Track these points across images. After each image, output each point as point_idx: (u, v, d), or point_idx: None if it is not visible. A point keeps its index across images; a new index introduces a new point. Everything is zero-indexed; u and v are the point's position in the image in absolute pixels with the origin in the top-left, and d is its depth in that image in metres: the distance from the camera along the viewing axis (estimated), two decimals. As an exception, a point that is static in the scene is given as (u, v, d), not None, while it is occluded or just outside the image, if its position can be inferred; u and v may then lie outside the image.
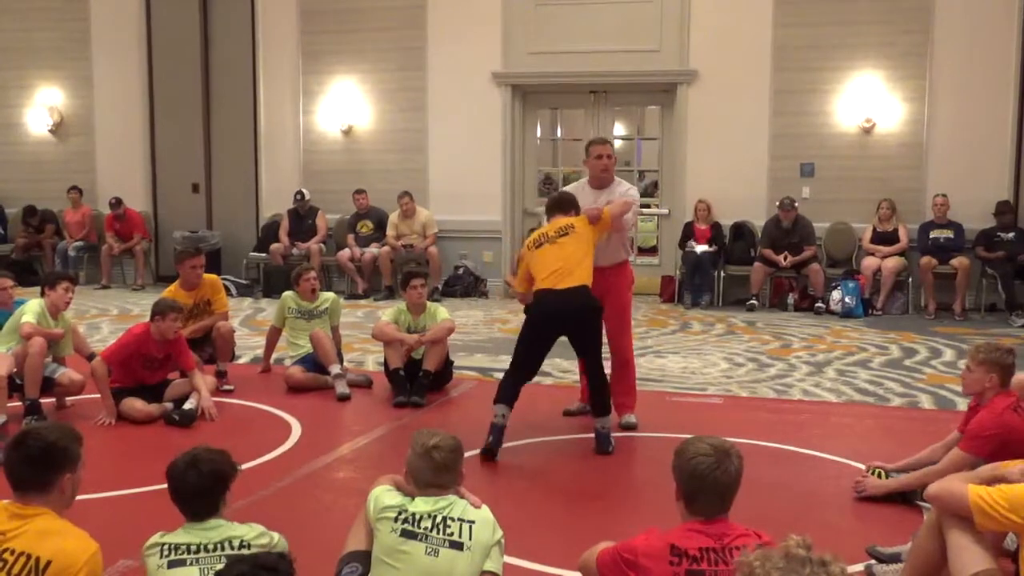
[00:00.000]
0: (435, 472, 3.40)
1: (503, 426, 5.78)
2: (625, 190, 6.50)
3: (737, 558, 2.33)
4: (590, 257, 5.93)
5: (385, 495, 3.44)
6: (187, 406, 6.61)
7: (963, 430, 4.82)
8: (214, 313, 7.75)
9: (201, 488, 3.29)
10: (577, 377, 7.12)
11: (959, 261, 11.04)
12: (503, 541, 3.43)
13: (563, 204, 6.19)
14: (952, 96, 11.56)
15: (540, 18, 12.67)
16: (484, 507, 3.46)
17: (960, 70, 11.52)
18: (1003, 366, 4.70)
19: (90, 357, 7.02)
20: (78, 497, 3.19)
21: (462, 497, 3.44)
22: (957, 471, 4.72)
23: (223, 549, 3.22)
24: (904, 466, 5.15)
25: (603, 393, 6.00)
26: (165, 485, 3.36)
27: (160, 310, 6.65)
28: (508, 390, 5.87)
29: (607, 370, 6.16)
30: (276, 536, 3.42)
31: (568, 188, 6.79)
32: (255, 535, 3.33)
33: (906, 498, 4.95)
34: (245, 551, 3.20)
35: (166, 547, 3.23)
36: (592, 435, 6.02)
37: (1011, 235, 11.08)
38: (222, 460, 3.38)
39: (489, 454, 5.73)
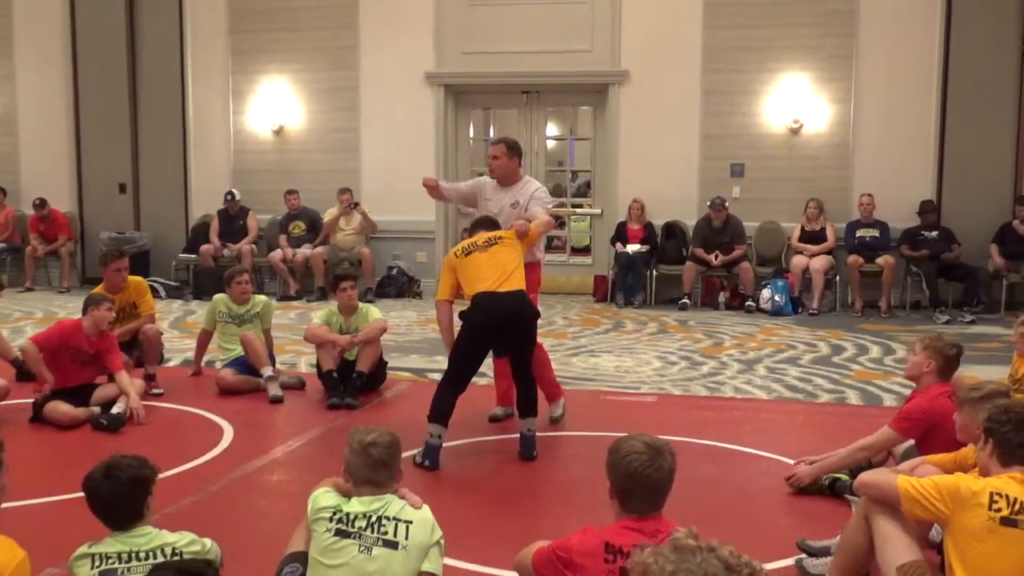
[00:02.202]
0: (372, 469, 3.39)
1: (439, 447, 5.64)
2: (534, 190, 6.49)
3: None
4: (522, 266, 5.94)
5: (323, 496, 3.43)
6: (115, 410, 6.44)
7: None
8: (140, 316, 7.62)
9: (121, 496, 3.21)
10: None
11: (885, 259, 11.27)
12: (443, 542, 3.42)
13: (487, 223, 6.20)
14: (877, 98, 11.80)
15: (473, 18, 12.67)
16: (425, 507, 3.44)
17: (885, 72, 11.77)
18: (945, 356, 4.79)
19: (13, 362, 6.85)
20: (3, 505, 3.12)
21: (402, 497, 3.43)
22: (885, 447, 4.90)
23: (155, 557, 3.16)
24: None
25: (531, 393, 5.93)
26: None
27: (94, 300, 6.65)
28: (445, 407, 5.70)
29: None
30: (208, 543, 3.38)
31: (476, 182, 6.90)
32: (186, 542, 3.28)
33: (835, 492, 5.05)
34: (176, 560, 3.14)
35: (96, 557, 3.16)
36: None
37: (934, 234, 11.34)
38: (140, 465, 3.29)
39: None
